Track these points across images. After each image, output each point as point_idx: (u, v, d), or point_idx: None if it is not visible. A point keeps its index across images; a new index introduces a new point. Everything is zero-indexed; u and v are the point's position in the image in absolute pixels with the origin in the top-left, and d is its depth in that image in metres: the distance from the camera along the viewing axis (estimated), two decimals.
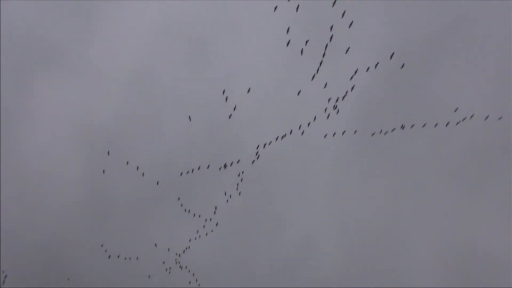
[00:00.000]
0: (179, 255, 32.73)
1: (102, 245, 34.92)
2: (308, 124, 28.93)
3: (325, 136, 29.62)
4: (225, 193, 32.10)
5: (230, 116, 30.37)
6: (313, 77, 27.36)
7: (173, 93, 39.93)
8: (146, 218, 40.87)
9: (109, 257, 34.42)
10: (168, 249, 33.74)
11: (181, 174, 32.84)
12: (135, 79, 39.93)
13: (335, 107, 27.24)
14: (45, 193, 41.65)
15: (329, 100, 27.68)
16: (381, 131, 28.34)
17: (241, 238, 36.92)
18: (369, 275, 36.32)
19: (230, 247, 36.11)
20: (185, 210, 33.24)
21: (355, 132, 29.05)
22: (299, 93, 28.32)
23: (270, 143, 29.91)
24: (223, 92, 29.11)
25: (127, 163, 35.19)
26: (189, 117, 32.41)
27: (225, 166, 31.28)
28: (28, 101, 41.21)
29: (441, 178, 33.08)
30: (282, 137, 29.39)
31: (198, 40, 38.13)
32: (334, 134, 29.31)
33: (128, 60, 40.83)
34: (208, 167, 32.01)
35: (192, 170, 32.33)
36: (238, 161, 30.96)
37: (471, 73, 28.46)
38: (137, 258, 34.09)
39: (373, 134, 29.23)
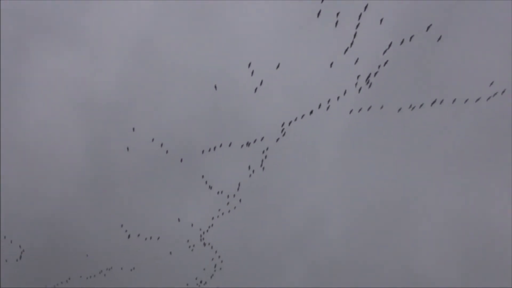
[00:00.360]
0: (204, 232, 32.23)
1: (122, 225, 34.25)
2: (338, 98, 28.18)
3: (351, 111, 28.98)
4: (249, 167, 31.37)
5: (256, 89, 29.28)
6: (346, 50, 26.47)
7: (179, 62, 38.53)
8: (164, 195, 40.18)
9: (129, 236, 33.80)
10: (192, 225, 33.22)
11: (203, 151, 32.02)
12: (138, 47, 38.44)
13: (367, 82, 26.49)
14: (47, 166, 40.59)
15: (358, 77, 26.93)
16: (410, 106, 27.78)
17: (252, 214, 36.60)
18: (377, 250, 36.41)
19: (247, 223, 35.86)
20: (209, 187, 32.57)
21: (382, 107, 28.45)
22: (332, 64, 27.28)
23: (296, 119, 29.12)
24: (249, 65, 27.99)
25: (153, 139, 34.14)
26: (215, 86, 31.20)
27: (248, 144, 30.51)
28: (25, 71, 39.32)
29: (453, 154, 32.87)
30: (310, 113, 28.58)
31: (207, 4, 36.72)
32: (360, 110, 28.68)
33: (130, 27, 39.09)
34: (230, 145, 31.22)
35: (214, 148, 31.53)
36: (262, 139, 30.20)
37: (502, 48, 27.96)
38: (158, 238, 33.52)
39: (399, 110, 28.68)
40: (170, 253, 33.86)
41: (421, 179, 34.29)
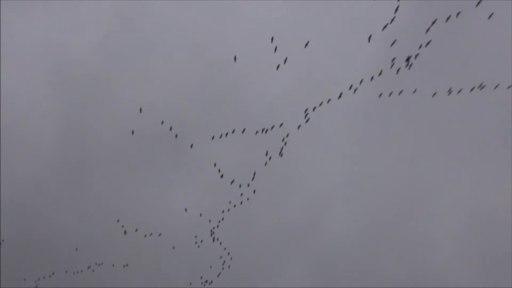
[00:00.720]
0: (214, 228, 28.98)
1: (118, 220, 30.69)
2: (361, 81, 25.16)
3: (380, 95, 26.05)
4: (267, 153, 28.16)
5: (278, 67, 25.86)
6: (385, 27, 23.36)
7: (168, 26, 34.57)
8: (153, 179, 36.83)
9: (125, 232, 30.28)
10: (201, 214, 30.00)
11: (213, 138, 28.62)
12: (121, 8, 33.61)
13: (407, 61, 23.54)
14: (16, 144, 36.38)
15: (393, 59, 23.97)
16: (449, 90, 24.94)
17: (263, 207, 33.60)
18: (385, 243, 33.61)
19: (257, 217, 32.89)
20: (221, 175, 29.26)
21: (415, 91, 25.56)
22: (370, 38, 24.01)
23: (321, 104, 25.96)
24: (272, 39, 24.51)
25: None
26: (235, 58, 27.67)
27: (265, 131, 27.28)
28: None
29: (470, 144, 30.39)
30: (340, 96, 25.46)
31: None
32: (390, 94, 25.77)
33: None
34: (243, 131, 27.92)
35: (226, 134, 28.16)
36: (281, 125, 27.01)
37: None
38: (159, 235, 30.17)
39: (434, 95, 25.87)
40: (173, 247, 30.65)
41: (437, 171, 31.82)
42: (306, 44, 24.62)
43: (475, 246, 30.79)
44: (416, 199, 32.26)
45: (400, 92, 25.63)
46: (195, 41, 35.05)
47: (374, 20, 24.17)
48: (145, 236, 30.26)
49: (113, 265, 31.95)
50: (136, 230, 30.09)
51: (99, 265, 31.91)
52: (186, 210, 30.88)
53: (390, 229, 32.92)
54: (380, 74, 24.36)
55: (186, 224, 32.18)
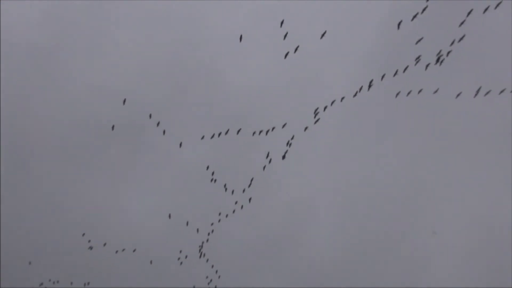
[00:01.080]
0: (203, 242, 24.99)
1: (83, 234, 25.81)
2: (382, 77, 22.25)
3: (398, 94, 23.26)
4: (267, 155, 24.42)
5: (286, 55, 22.10)
6: (399, 24, 20.61)
7: None
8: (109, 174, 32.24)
9: (91, 248, 25.50)
10: (187, 223, 25.89)
11: (203, 137, 24.55)
12: None
13: (438, 60, 20.93)
14: None
15: (417, 58, 21.27)
16: (477, 91, 22.56)
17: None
18: (375, 256, 30.82)
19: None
20: (212, 179, 25.13)
21: (436, 91, 22.99)
22: (399, 24, 20.94)
23: (333, 102, 22.71)
24: (281, 23, 20.89)
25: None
26: (240, 37, 23.62)
27: (266, 132, 23.69)
28: None
29: (476, 146, 28.48)
30: (355, 94, 22.39)
31: None
32: (409, 93, 23.05)
33: None
34: (238, 132, 24.04)
35: (219, 134, 24.17)
36: (284, 125, 23.47)
37: None
38: (134, 251, 25.74)
39: (457, 96, 23.40)
40: (151, 262, 26.35)
41: (437, 171, 29.59)
42: (323, 35, 21.20)
43: (477, 265, 28.59)
44: (413, 209, 29.83)
45: (420, 91, 23.01)
46: (168, 12, 30.56)
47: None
48: (116, 252, 25.75)
49: (71, 283, 27.13)
50: (105, 245, 25.55)
51: (54, 283, 26.98)
52: (170, 216, 26.65)
53: (382, 242, 30.18)
54: (405, 69, 21.54)
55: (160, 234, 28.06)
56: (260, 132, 24.05)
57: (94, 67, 31.02)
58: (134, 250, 26.42)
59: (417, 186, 29.58)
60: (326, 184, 30.69)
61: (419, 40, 20.91)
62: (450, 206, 28.99)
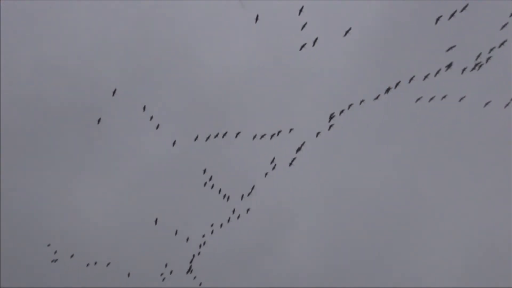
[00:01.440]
0: (194, 256, 21.43)
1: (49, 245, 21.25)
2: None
3: (418, 99, 20.92)
4: (272, 161, 21.67)
5: (301, 47, 19.38)
6: (453, 14, 18.20)
7: None
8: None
9: (55, 261, 21.04)
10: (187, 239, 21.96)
11: (196, 138, 20.84)
12: None
13: (476, 65, 18.84)
14: None
15: (449, 65, 19.03)
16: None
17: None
18: (361, 267, 27.69)
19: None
20: (205, 184, 21.98)
21: (462, 98, 20.73)
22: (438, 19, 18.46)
23: (350, 106, 19.99)
24: (300, 11, 17.94)
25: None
26: (256, 17, 20.09)
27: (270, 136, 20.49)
28: None
29: (477, 152, 26.53)
30: (377, 97, 19.92)
31: None
32: (431, 99, 20.74)
33: None
34: (237, 135, 20.65)
35: (224, 135, 20.55)
36: (290, 130, 20.41)
37: None
38: (107, 264, 21.59)
39: (486, 104, 21.26)
40: (129, 275, 22.25)
41: (432, 179, 27.28)
42: (347, 32, 18.35)
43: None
44: (403, 223, 27.39)
45: (444, 97, 20.73)
46: None
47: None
48: (87, 265, 21.66)
49: None
50: (72, 256, 21.42)
51: None
52: (156, 222, 22.69)
53: (368, 256, 27.39)
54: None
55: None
56: (262, 136, 21.01)
57: (45, 40, 26.56)
58: (108, 264, 22.46)
59: (411, 196, 27.37)
60: (309, 193, 27.79)
61: (449, 48, 18.88)
62: (442, 222, 27.04)
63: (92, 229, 26.32)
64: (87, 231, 26.14)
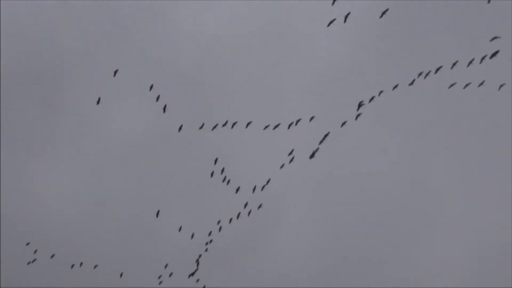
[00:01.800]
0: (200, 256, 19.53)
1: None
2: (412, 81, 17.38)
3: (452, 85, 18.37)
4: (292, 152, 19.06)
5: (329, 23, 17.12)
6: None
7: None
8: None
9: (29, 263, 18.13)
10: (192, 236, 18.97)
11: (202, 126, 17.76)
12: None
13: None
14: None
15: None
16: None
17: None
18: (357, 265, 24.88)
19: None
20: (211, 174, 19.79)
21: (482, 83, 18.22)
22: None
23: (380, 93, 17.48)
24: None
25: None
26: None
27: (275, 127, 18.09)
28: None
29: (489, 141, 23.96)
30: (412, 83, 17.47)
31: None
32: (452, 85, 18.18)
33: None
34: (247, 126, 18.47)
35: (233, 125, 18.50)
36: (311, 118, 18.03)
37: None
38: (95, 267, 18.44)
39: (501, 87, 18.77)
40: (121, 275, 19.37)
41: (439, 170, 24.50)
42: (384, 13, 15.74)
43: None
44: (405, 219, 24.59)
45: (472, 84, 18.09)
46: None
47: None
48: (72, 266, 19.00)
49: None
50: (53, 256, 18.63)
51: None
52: (157, 215, 19.65)
53: (366, 253, 24.58)
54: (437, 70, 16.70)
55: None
56: (275, 126, 18.37)
57: None
58: (95, 267, 19.59)
59: (416, 190, 24.72)
60: (300, 180, 24.97)
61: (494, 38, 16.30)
62: (448, 219, 24.57)
63: (50, 217, 23.06)
64: (44, 218, 22.88)
